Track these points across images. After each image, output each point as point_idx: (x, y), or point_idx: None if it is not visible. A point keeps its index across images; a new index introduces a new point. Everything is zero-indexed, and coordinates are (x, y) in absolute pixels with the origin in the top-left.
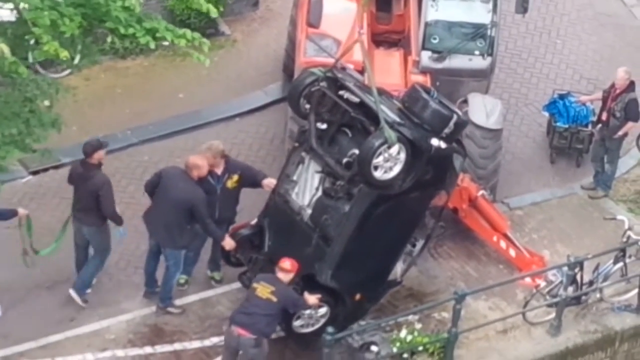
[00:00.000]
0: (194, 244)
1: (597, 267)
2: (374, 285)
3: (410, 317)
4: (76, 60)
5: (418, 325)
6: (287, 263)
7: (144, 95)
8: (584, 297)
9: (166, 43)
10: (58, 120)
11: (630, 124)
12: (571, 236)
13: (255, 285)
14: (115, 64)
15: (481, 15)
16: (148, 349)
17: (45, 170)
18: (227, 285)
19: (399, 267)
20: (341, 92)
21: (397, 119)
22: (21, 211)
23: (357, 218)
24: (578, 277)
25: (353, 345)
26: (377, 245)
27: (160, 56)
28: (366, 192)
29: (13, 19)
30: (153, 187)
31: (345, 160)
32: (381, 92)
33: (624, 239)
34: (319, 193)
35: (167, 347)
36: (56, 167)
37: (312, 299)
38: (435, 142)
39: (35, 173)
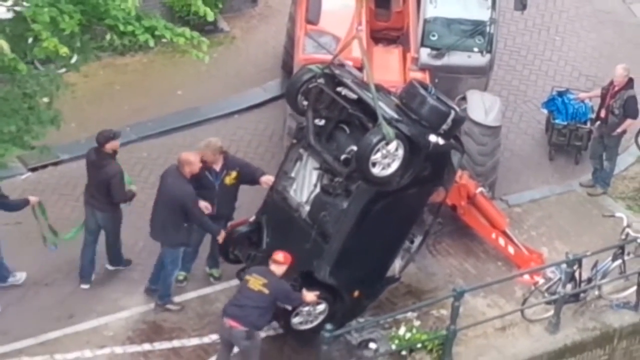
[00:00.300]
0: (193, 240)
1: (595, 265)
2: (373, 281)
3: (409, 314)
4: (73, 59)
5: (416, 323)
6: (280, 255)
7: (142, 92)
8: (582, 295)
9: (165, 40)
10: (57, 117)
11: (629, 121)
12: (570, 233)
13: (247, 277)
14: (114, 61)
15: (480, 12)
16: (147, 346)
17: (44, 167)
18: (225, 282)
19: (397, 264)
20: (339, 89)
21: (395, 116)
22: (32, 199)
23: (355, 215)
24: (577, 275)
25: (351, 342)
26: (376, 241)
27: (159, 53)
28: (364, 188)
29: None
30: None
31: (343, 156)
32: (379, 88)
33: (623, 236)
34: (317, 190)
35: (166, 344)
36: (55, 164)
37: (310, 296)
38: (433, 138)
39: (34, 170)
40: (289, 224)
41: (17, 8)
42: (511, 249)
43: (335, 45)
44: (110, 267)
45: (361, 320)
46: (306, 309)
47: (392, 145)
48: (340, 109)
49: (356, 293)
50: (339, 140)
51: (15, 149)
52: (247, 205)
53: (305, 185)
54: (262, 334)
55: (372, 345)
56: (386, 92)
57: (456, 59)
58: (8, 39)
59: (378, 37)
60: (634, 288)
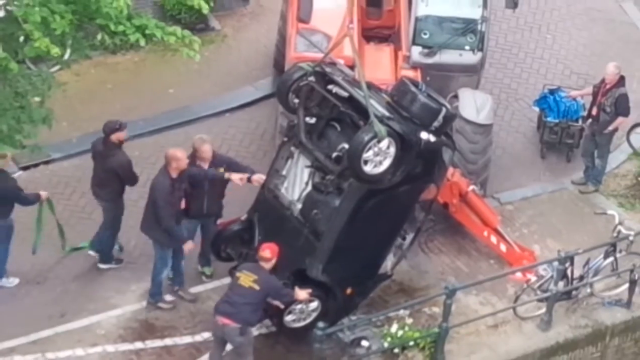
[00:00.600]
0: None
1: (587, 262)
2: (365, 278)
3: (401, 312)
4: (66, 56)
5: (409, 320)
6: (266, 252)
7: (134, 91)
8: (574, 292)
9: (156, 38)
10: (49, 116)
11: (620, 119)
12: (562, 231)
13: (238, 274)
14: (106, 60)
15: (471, 10)
16: (139, 344)
17: (36, 165)
18: (217, 280)
19: (389, 261)
20: (330, 87)
21: (387, 113)
22: (43, 194)
23: (347, 212)
24: (568, 272)
25: (344, 340)
26: (368, 239)
27: (150, 51)
28: (356, 186)
29: (2, 15)
30: None
31: (334, 154)
32: (370, 86)
33: (615, 234)
34: (309, 188)
35: (158, 342)
36: (46, 163)
37: (302, 293)
38: (424, 135)
39: (25, 169)
40: (280, 221)
41: (8, 7)
42: (503, 247)
43: (327, 44)
44: (102, 266)
45: (353, 318)
46: (299, 306)
47: (384, 143)
48: (331, 106)
49: (349, 290)
50: (330, 138)
51: (7, 148)
52: (235, 203)
53: (296, 183)
54: (255, 332)
55: (365, 343)
56: (377, 89)
57: (448, 57)
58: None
59: (369, 35)
60: (626, 285)
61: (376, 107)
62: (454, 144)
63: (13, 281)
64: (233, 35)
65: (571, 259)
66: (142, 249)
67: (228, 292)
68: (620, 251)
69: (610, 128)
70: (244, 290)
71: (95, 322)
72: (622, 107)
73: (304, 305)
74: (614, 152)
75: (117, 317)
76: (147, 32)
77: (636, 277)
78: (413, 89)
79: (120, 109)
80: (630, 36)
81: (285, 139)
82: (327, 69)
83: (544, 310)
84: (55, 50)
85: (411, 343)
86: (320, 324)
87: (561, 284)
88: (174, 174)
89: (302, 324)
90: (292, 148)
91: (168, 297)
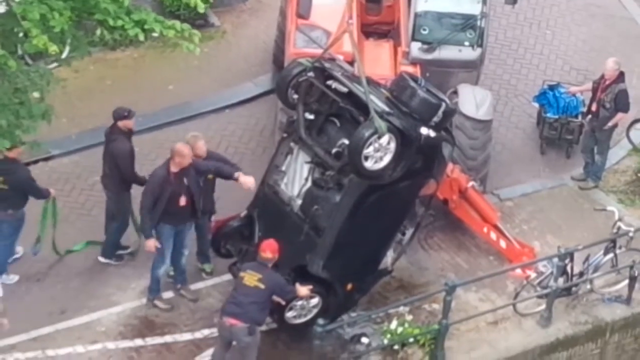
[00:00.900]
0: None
1: (587, 258)
2: (366, 274)
3: (401, 309)
4: (65, 54)
5: (409, 317)
6: (267, 252)
7: (133, 87)
8: (574, 288)
9: (155, 34)
10: (48, 112)
11: (620, 115)
12: (561, 227)
13: (242, 274)
14: (105, 56)
15: (471, 6)
16: (139, 341)
17: (35, 162)
18: (217, 277)
19: (389, 256)
20: (329, 82)
21: (387, 109)
22: (52, 191)
23: (348, 208)
24: (568, 268)
25: (344, 336)
26: (368, 234)
27: (150, 47)
28: (357, 182)
29: (2, 11)
30: None
31: (334, 150)
32: (369, 81)
33: (614, 230)
34: (309, 183)
35: (158, 340)
36: (46, 160)
37: (303, 290)
38: (424, 131)
39: (25, 165)
40: (280, 217)
41: (7, 4)
42: (503, 243)
43: (326, 40)
44: (102, 260)
45: (353, 314)
46: (300, 303)
47: (385, 139)
48: (331, 102)
49: (349, 286)
50: (329, 134)
51: (6, 143)
52: (226, 199)
53: (296, 179)
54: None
55: (365, 340)
56: (376, 84)
57: (447, 53)
58: None
59: (369, 31)
60: (626, 282)
61: (376, 102)
62: (453, 139)
63: (13, 278)
64: (232, 32)
65: (571, 255)
66: (143, 246)
67: (233, 292)
68: (620, 247)
69: (610, 124)
70: (250, 289)
71: (96, 319)
72: (621, 103)
73: (305, 302)
74: (613, 148)
75: (117, 314)
76: (146, 26)
77: (636, 274)
78: (412, 84)
79: (120, 105)
80: (629, 31)
81: (285, 135)
82: (327, 65)
83: (543, 306)
84: (53, 48)
85: (411, 340)
86: (320, 321)
87: (561, 280)
88: (174, 169)
89: (302, 320)
90: (292, 144)
91: (167, 296)
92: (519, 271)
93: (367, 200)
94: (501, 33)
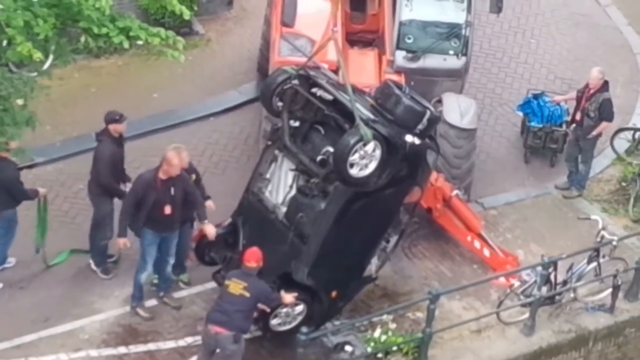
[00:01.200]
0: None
1: (571, 267)
2: (350, 281)
3: (385, 317)
4: (47, 64)
5: (392, 325)
6: (251, 262)
7: (118, 95)
8: (557, 297)
9: (140, 42)
10: (32, 118)
11: (604, 124)
12: (545, 236)
13: (227, 282)
14: (89, 63)
15: (455, 14)
16: (122, 349)
17: (20, 169)
18: (200, 285)
19: (373, 264)
20: (314, 90)
21: (372, 116)
22: (42, 190)
23: (333, 215)
24: (552, 277)
25: (327, 345)
26: (353, 242)
27: (134, 55)
28: (342, 189)
29: None
30: None
31: (319, 157)
32: (353, 89)
33: (598, 239)
34: (293, 191)
35: (141, 347)
36: (30, 167)
37: (288, 297)
38: (409, 138)
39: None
40: (265, 225)
41: None
42: (487, 252)
43: (311, 48)
44: (93, 267)
45: (337, 323)
46: (284, 310)
47: (370, 146)
48: (316, 110)
49: (334, 293)
50: (314, 141)
51: None
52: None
53: (280, 186)
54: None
55: (348, 348)
56: (360, 92)
57: (432, 61)
58: None
59: (353, 39)
60: (609, 290)
61: (361, 110)
62: (438, 147)
63: None
64: (217, 40)
65: (555, 264)
66: (126, 254)
67: (218, 300)
68: (604, 256)
69: (594, 133)
70: (235, 298)
71: (79, 327)
72: (606, 112)
73: (290, 309)
74: (597, 157)
75: (100, 322)
76: (130, 34)
77: (619, 282)
78: (397, 91)
79: (104, 112)
80: (614, 41)
81: (269, 143)
82: (311, 72)
83: (527, 315)
84: (37, 55)
85: (394, 348)
86: (304, 329)
87: (544, 289)
88: (162, 176)
89: (287, 327)
90: (276, 151)
91: (151, 304)
92: (502, 280)
93: (352, 207)
94: (486, 42)
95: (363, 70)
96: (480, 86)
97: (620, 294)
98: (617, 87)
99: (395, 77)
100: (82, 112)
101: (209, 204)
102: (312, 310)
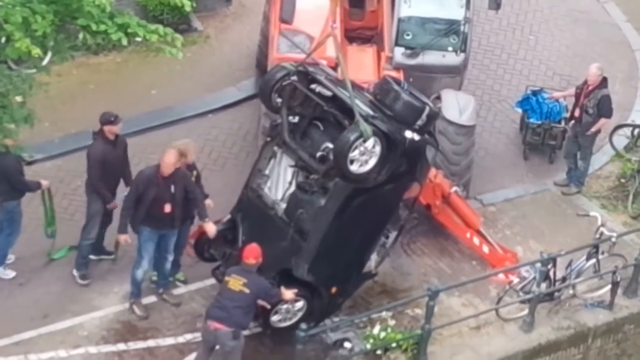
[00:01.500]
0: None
1: (570, 264)
2: (350, 277)
3: (384, 314)
4: (45, 61)
5: (391, 322)
6: (250, 259)
7: (116, 92)
8: (557, 294)
9: (139, 39)
10: (31, 115)
11: (603, 121)
12: (544, 232)
13: (227, 278)
14: (88, 60)
15: (454, 11)
16: (121, 346)
17: None
18: (199, 282)
19: (373, 260)
20: (313, 86)
21: (371, 112)
22: (44, 182)
23: (333, 212)
24: (551, 274)
25: (326, 341)
26: (353, 237)
27: (133, 52)
28: (342, 185)
29: None
30: None
31: (319, 154)
32: (352, 85)
33: (597, 235)
34: (293, 187)
35: (141, 344)
36: (29, 164)
37: (288, 293)
38: (409, 134)
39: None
40: (264, 221)
41: None
42: (485, 248)
43: (309, 45)
44: (92, 257)
45: (336, 319)
46: (285, 306)
47: (370, 142)
48: (314, 105)
49: (333, 289)
50: (313, 137)
51: None
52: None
53: (280, 182)
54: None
55: (347, 345)
56: (359, 88)
57: (430, 58)
58: None
59: (352, 36)
60: (608, 287)
61: (361, 106)
62: (437, 142)
63: (9, 274)
64: (216, 36)
65: (554, 260)
66: (125, 251)
67: (218, 296)
68: (603, 253)
69: (593, 129)
70: (234, 294)
71: (78, 324)
72: (604, 108)
73: (290, 305)
74: (596, 153)
75: (99, 319)
76: (129, 30)
77: (618, 279)
78: (396, 87)
79: (103, 109)
80: (612, 37)
81: (268, 139)
82: (310, 69)
83: (526, 311)
84: (36, 51)
85: (393, 345)
86: (303, 325)
87: (544, 285)
88: (163, 172)
89: (288, 323)
90: (275, 148)
91: (150, 300)
92: (501, 276)
93: (352, 203)
94: (484, 38)
95: (362, 67)
96: (479, 83)
97: (620, 291)
98: (616, 84)
99: (394, 74)
100: (80, 108)
101: (208, 202)
102: (312, 306)
